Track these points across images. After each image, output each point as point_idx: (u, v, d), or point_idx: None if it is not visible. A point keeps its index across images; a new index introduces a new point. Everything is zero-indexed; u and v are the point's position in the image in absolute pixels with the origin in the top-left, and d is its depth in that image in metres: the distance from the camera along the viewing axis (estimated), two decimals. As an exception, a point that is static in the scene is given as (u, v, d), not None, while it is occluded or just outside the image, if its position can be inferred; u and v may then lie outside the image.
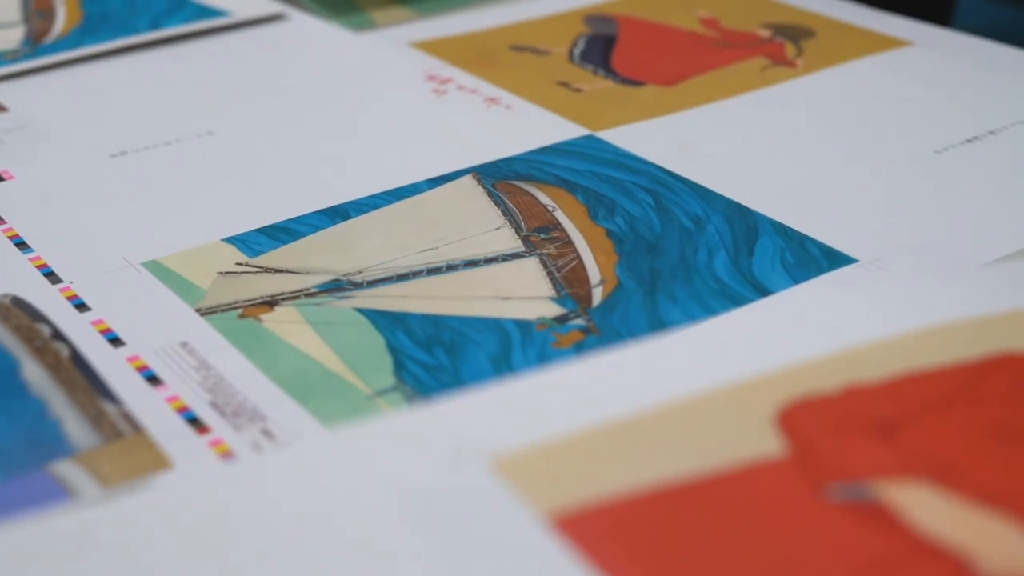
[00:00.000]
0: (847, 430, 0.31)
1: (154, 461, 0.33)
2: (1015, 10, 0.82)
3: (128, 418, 0.34)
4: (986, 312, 0.36)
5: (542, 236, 0.43)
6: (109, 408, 0.35)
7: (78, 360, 0.37)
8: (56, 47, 0.60)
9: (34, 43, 0.61)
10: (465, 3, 0.66)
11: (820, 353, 0.33)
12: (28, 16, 0.64)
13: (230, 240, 0.44)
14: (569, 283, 0.40)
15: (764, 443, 0.30)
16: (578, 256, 0.42)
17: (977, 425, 0.31)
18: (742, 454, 0.30)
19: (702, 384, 0.32)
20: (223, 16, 0.63)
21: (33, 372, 0.36)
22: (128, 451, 0.33)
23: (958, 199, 0.45)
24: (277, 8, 0.65)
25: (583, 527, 0.28)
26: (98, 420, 0.34)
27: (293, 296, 0.40)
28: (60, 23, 0.63)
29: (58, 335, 0.38)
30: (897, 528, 0.28)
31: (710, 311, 0.39)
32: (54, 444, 0.33)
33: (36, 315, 0.39)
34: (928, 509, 0.29)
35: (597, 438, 0.31)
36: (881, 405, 0.32)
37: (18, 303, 0.40)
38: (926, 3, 0.72)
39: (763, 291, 0.40)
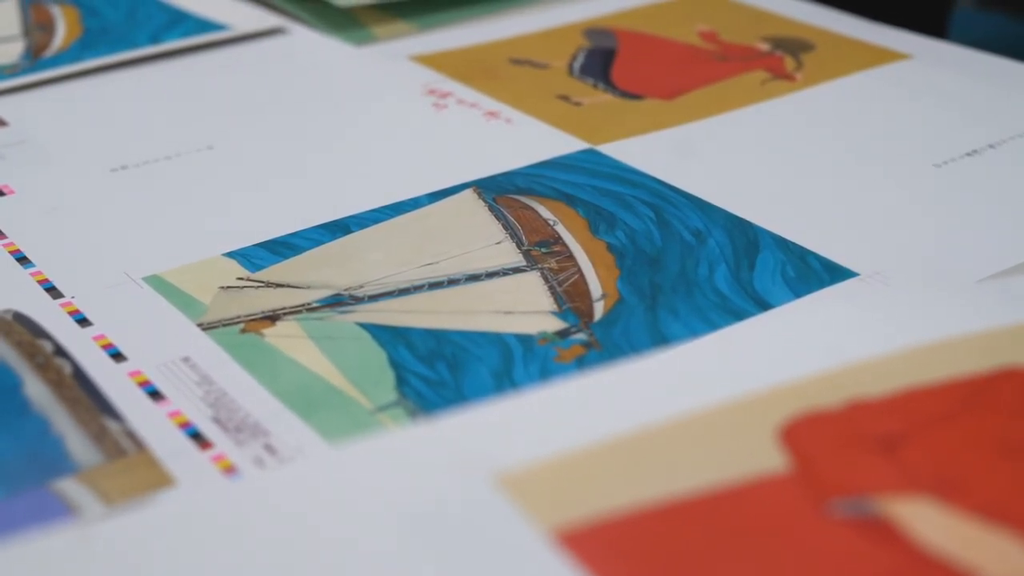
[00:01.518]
0: (850, 445, 0.31)
1: (157, 479, 0.33)
2: (1011, 21, 0.82)
3: (131, 435, 0.34)
4: (989, 326, 0.36)
5: (543, 250, 0.43)
6: (112, 425, 0.35)
7: (80, 377, 0.37)
8: (56, 61, 0.60)
9: (34, 57, 0.61)
10: (466, 17, 0.66)
11: (822, 368, 0.33)
12: (28, 30, 0.64)
13: (231, 255, 0.44)
14: (570, 297, 0.40)
15: (767, 459, 0.30)
16: (579, 270, 0.42)
17: (980, 440, 0.31)
18: (745, 470, 0.30)
19: (704, 400, 0.32)
20: (223, 30, 0.64)
21: (35, 389, 0.36)
22: (130, 469, 0.33)
23: (959, 212, 0.45)
24: (277, 22, 0.65)
25: (587, 543, 0.28)
26: (100, 438, 0.34)
27: (295, 310, 0.40)
28: (60, 37, 0.63)
29: (60, 351, 0.38)
30: (900, 543, 0.28)
31: (712, 325, 0.39)
32: (56, 462, 0.33)
33: (38, 331, 0.39)
34: (931, 524, 0.28)
35: (600, 454, 0.31)
36: (884, 420, 0.32)
37: (20, 319, 0.40)
38: (921, 15, 0.73)
39: (764, 305, 0.40)
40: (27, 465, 0.33)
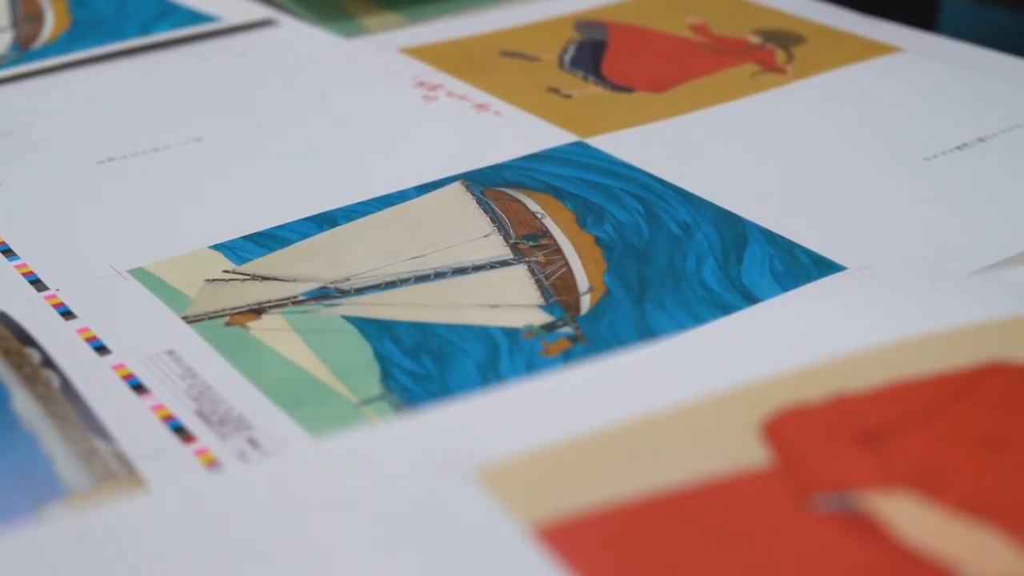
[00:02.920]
0: (833, 440, 0.31)
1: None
2: (1001, 14, 0.82)
3: (121, 457, 0.33)
4: (975, 320, 0.35)
5: (531, 243, 0.43)
6: (101, 446, 0.34)
7: (69, 391, 0.36)
8: (44, 52, 0.60)
9: (22, 48, 0.60)
10: (456, 9, 0.66)
11: (807, 362, 0.33)
12: (16, 21, 0.64)
13: (217, 247, 0.44)
14: (557, 291, 0.40)
15: (750, 453, 0.30)
16: (567, 263, 0.42)
17: (964, 435, 0.31)
18: (728, 464, 0.30)
19: (688, 394, 0.32)
20: (213, 21, 0.63)
21: (24, 404, 0.35)
22: (119, 494, 0.32)
23: (948, 206, 0.45)
24: (267, 14, 0.65)
25: (568, 538, 0.28)
26: (90, 458, 0.33)
27: (280, 304, 0.40)
28: (48, 28, 0.63)
29: (48, 362, 0.37)
30: (883, 539, 0.28)
31: (699, 319, 0.39)
32: (45, 485, 0.32)
33: (25, 337, 0.38)
34: (914, 519, 0.28)
35: (582, 448, 0.31)
36: (868, 415, 0.31)
37: (5, 320, 0.39)
38: (910, 7, 0.72)
39: (752, 299, 0.40)
40: (16, 488, 0.32)
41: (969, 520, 0.28)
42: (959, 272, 0.40)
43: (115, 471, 0.33)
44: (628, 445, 0.31)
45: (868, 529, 0.28)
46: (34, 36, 0.62)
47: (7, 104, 0.56)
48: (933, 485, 0.29)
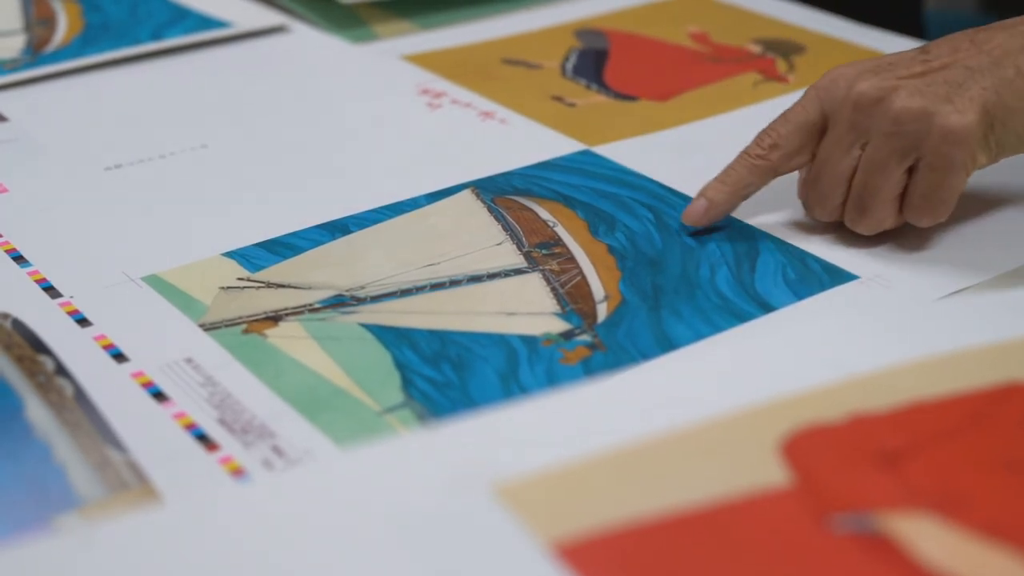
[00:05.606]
0: (852, 460, 0.31)
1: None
2: (979, 13, 0.83)
3: (134, 467, 0.33)
4: (993, 339, 0.35)
5: (544, 252, 0.43)
6: (114, 456, 0.34)
7: (82, 399, 0.36)
8: (57, 56, 0.60)
9: (35, 52, 0.60)
10: (466, 17, 0.66)
11: (825, 381, 0.33)
12: (29, 25, 0.63)
13: (230, 254, 0.44)
14: (573, 299, 0.40)
15: (769, 472, 0.30)
16: (581, 272, 0.42)
17: (984, 456, 0.31)
18: (747, 483, 0.30)
19: (706, 412, 0.32)
20: (225, 27, 0.63)
21: (37, 413, 0.35)
22: (134, 505, 0.32)
23: (960, 215, 0.45)
24: (279, 20, 0.65)
25: (587, 556, 0.28)
26: (102, 468, 0.33)
27: (297, 311, 0.40)
28: (61, 32, 0.63)
29: (62, 369, 0.37)
30: (902, 560, 0.28)
31: (715, 327, 0.39)
32: (58, 494, 0.32)
33: (38, 344, 0.38)
34: (934, 541, 0.28)
35: (601, 466, 0.30)
36: (887, 435, 0.31)
37: (19, 327, 0.39)
38: (896, 15, 0.73)
39: (766, 307, 0.40)
40: (29, 498, 0.32)
41: (989, 542, 0.28)
42: (971, 281, 0.41)
43: (128, 481, 0.33)
44: (646, 463, 0.31)
45: (887, 550, 0.28)
46: (47, 40, 0.62)
47: (17, 109, 0.55)
48: (953, 506, 0.29)
